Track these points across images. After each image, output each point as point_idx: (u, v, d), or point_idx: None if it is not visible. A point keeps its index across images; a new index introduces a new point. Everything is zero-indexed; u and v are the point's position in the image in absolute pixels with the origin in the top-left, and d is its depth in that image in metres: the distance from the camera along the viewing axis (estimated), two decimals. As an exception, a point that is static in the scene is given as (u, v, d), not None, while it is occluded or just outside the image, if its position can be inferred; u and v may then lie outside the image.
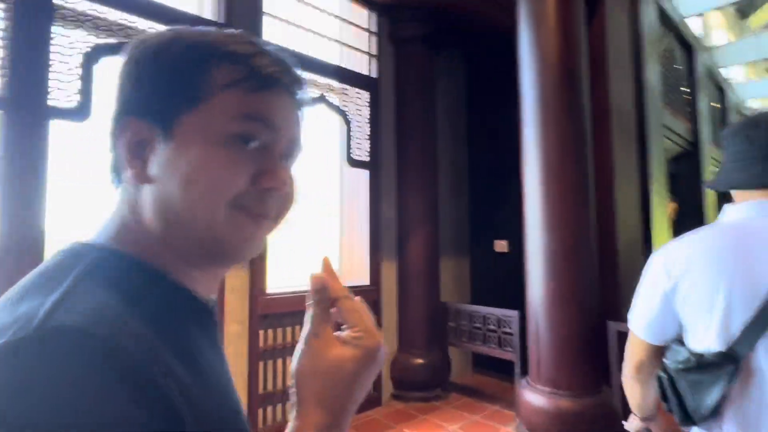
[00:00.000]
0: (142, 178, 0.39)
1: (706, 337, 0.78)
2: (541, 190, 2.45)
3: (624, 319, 1.02)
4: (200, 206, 0.37)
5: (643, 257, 2.51)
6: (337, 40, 3.29)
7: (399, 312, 3.38)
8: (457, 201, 4.06)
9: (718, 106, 5.94)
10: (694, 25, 6.44)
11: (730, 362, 0.74)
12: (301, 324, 0.44)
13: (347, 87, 3.28)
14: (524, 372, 2.59)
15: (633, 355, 0.95)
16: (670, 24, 4.94)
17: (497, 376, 3.69)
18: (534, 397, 2.39)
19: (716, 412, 0.77)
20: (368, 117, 3.37)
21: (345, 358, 0.39)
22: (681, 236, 0.88)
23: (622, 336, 2.44)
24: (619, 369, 1.06)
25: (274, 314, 2.71)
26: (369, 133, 3.36)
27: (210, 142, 0.37)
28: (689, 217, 4.48)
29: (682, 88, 5.37)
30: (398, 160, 3.45)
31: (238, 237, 0.39)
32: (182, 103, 0.38)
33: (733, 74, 6.45)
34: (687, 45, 5.47)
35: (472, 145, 4.12)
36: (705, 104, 5.44)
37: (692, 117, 5.31)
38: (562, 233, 2.40)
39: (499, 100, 3.80)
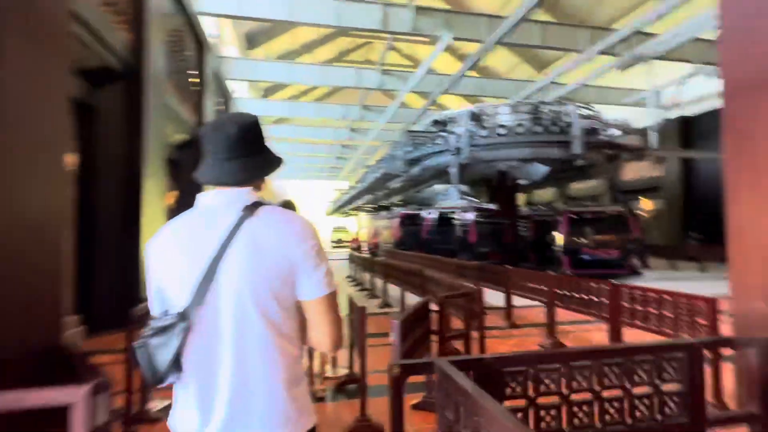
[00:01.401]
0: None
1: (177, 302, 0.92)
2: None
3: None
4: None
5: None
6: None
7: None
8: None
9: (223, 108, 6.65)
10: (210, 29, 6.86)
11: (183, 320, 0.88)
12: None
13: None
14: None
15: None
16: (183, 9, 4.89)
17: None
18: None
19: (177, 366, 0.89)
20: None
21: None
22: (169, 221, 1.02)
23: None
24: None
25: None
26: None
27: None
28: (192, 204, 4.55)
29: (192, 80, 5.50)
30: None
31: None
32: None
33: (238, 87, 7.54)
34: (200, 42, 5.68)
35: None
36: (211, 103, 5.84)
37: (199, 110, 5.86)
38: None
39: None
